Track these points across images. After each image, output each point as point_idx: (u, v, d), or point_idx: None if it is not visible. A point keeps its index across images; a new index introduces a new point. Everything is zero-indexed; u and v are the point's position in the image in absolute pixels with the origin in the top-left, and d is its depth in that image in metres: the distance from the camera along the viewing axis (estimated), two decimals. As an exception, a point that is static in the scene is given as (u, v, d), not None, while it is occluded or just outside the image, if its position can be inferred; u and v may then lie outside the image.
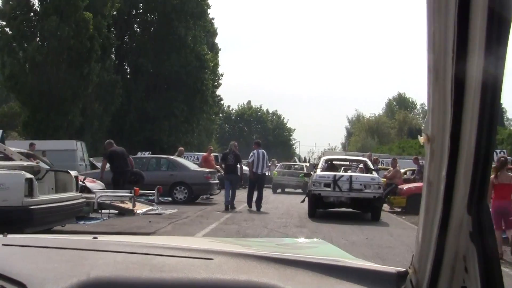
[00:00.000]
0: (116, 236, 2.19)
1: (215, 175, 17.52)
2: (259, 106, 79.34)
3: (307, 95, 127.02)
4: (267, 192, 20.90)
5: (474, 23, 0.87)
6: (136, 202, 12.45)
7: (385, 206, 16.59)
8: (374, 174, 13.98)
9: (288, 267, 1.27)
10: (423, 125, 1.06)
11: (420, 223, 1.11)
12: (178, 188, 16.61)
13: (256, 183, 14.88)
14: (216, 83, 45.00)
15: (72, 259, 1.30)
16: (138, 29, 39.38)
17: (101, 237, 1.60)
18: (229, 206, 14.73)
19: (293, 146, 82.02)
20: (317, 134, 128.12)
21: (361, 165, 16.08)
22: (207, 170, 17.14)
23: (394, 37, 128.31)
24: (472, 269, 1.00)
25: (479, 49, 0.87)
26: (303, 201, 14.16)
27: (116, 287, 1.17)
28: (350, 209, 13.92)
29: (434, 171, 1.02)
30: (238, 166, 15.26)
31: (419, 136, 1.08)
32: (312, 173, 14.92)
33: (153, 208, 13.26)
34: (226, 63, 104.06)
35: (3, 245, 1.42)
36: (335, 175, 13.58)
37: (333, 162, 16.96)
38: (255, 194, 14.90)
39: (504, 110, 61.33)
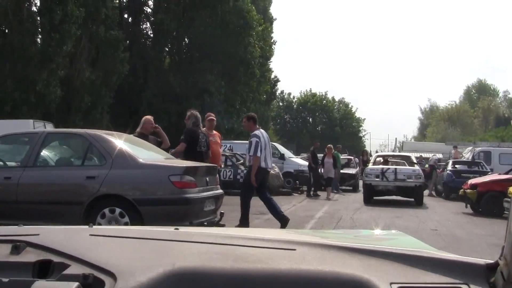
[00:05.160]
0: (196, 228, 2.05)
1: (210, 176, 7.23)
2: (323, 94, 68.79)
3: (375, 84, 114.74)
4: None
5: None
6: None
7: None
8: (416, 167, 16.66)
9: (372, 257, 1.23)
10: None
11: (510, 212, 1.07)
12: (107, 212, 6.37)
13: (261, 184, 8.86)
14: (268, 54, 34.91)
15: (156, 250, 1.31)
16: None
17: (182, 229, 1.56)
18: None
19: (363, 138, 71.22)
20: (386, 126, 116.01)
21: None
22: (183, 165, 6.74)
23: (470, 18, 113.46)
24: None
25: None
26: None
27: (201, 277, 1.17)
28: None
29: None
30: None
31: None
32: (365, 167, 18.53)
33: None
34: (284, 47, 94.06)
35: (90, 235, 1.42)
36: (382, 168, 16.21)
37: (384, 158, 18.36)
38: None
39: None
